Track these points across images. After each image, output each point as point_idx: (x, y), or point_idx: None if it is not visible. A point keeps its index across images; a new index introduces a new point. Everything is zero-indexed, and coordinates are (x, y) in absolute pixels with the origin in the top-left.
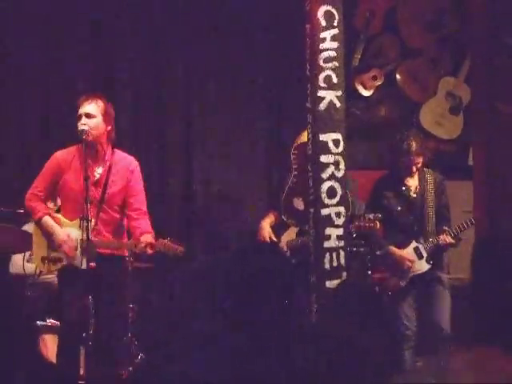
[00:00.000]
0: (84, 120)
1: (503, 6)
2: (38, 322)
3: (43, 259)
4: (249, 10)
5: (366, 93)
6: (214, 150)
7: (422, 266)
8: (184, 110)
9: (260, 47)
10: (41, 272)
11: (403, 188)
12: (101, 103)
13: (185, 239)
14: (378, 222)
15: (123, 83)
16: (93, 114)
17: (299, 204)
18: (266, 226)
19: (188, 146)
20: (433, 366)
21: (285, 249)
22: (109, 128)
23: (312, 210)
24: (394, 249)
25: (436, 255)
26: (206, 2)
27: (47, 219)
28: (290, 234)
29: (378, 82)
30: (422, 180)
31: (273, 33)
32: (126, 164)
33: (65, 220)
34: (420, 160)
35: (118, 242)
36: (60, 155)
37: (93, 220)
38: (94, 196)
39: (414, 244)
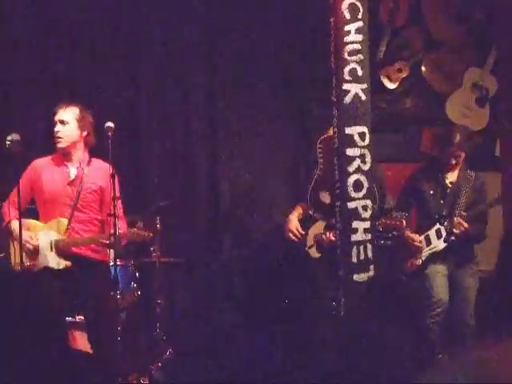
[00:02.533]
0: (58, 127)
1: None
2: (66, 318)
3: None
4: (273, 4)
5: (391, 85)
6: (241, 144)
7: (438, 244)
8: (207, 104)
9: (285, 41)
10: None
11: (439, 175)
12: (75, 109)
13: (213, 234)
14: (403, 221)
15: (144, 85)
16: (66, 121)
17: (326, 197)
18: (294, 219)
19: (213, 140)
20: (461, 363)
21: (312, 242)
22: (84, 134)
23: (338, 203)
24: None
25: (465, 248)
26: None
27: (13, 223)
28: (317, 228)
29: (404, 75)
30: (461, 178)
31: (297, 27)
32: (102, 169)
33: (37, 223)
34: (460, 153)
35: (89, 237)
36: (37, 161)
37: (66, 220)
38: (69, 196)
39: (436, 226)
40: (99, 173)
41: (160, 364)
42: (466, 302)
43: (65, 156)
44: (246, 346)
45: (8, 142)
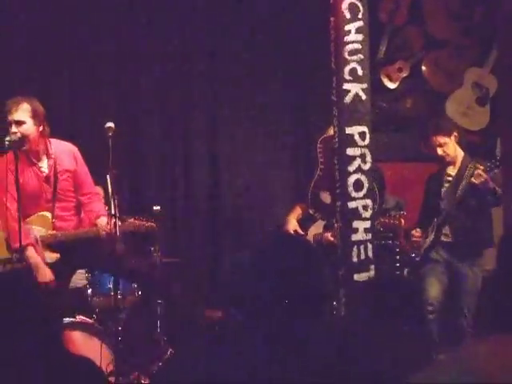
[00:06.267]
0: (14, 128)
1: None
2: (66, 318)
3: (2, 261)
4: (273, 4)
5: (391, 85)
6: (240, 144)
7: (429, 239)
8: (209, 103)
9: (285, 41)
10: None
11: (441, 172)
12: (28, 107)
13: (213, 235)
14: (402, 220)
15: (149, 86)
16: (22, 120)
17: (326, 197)
18: (292, 220)
19: (214, 141)
20: (455, 362)
21: (312, 242)
22: (41, 129)
23: (339, 203)
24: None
25: (469, 243)
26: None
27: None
28: (317, 228)
29: (404, 74)
30: (462, 170)
31: (297, 27)
32: (67, 152)
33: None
34: (444, 140)
35: (83, 231)
36: (1, 163)
37: (49, 214)
38: (48, 191)
39: (434, 222)
40: (65, 156)
41: (161, 364)
42: (464, 293)
43: (29, 154)
44: (247, 346)
45: None
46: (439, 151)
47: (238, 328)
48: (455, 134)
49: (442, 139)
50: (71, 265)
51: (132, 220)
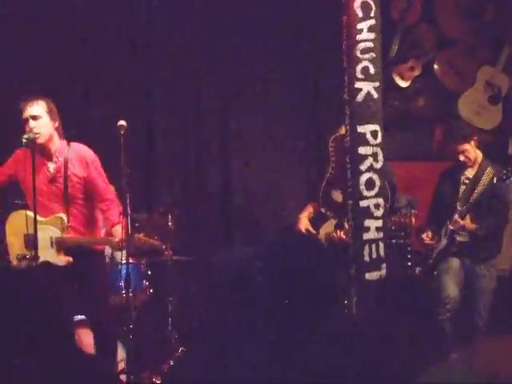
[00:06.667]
0: (32, 123)
1: None
2: (75, 316)
3: (18, 257)
4: (285, 4)
5: (403, 83)
6: (252, 143)
7: (442, 243)
8: (221, 102)
9: (296, 39)
10: None
11: (458, 174)
12: (43, 103)
13: (224, 233)
14: (413, 219)
15: (159, 84)
16: (39, 115)
17: (338, 196)
18: (304, 218)
19: (225, 139)
20: (468, 361)
21: (323, 241)
22: (56, 124)
23: (351, 201)
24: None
25: (483, 244)
26: None
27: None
28: (328, 227)
29: (416, 73)
30: (479, 174)
31: (309, 25)
32: (78, 157)
33: (38, 218)
34: (465, 147)
35: (96, 239)
36: (18, 154)
37: (65, 217)
38: (54, 192)
39: (447, 224)
40: (76, 161)
41: (172, 362)
42: (479, 293)
43: (42, 152)
44: (258, 345)
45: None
46: (461, 157)
47: (238, 328)
48: (475, 138)
49: (463, 146)
50: (75, 272)
51: (140, 236)
